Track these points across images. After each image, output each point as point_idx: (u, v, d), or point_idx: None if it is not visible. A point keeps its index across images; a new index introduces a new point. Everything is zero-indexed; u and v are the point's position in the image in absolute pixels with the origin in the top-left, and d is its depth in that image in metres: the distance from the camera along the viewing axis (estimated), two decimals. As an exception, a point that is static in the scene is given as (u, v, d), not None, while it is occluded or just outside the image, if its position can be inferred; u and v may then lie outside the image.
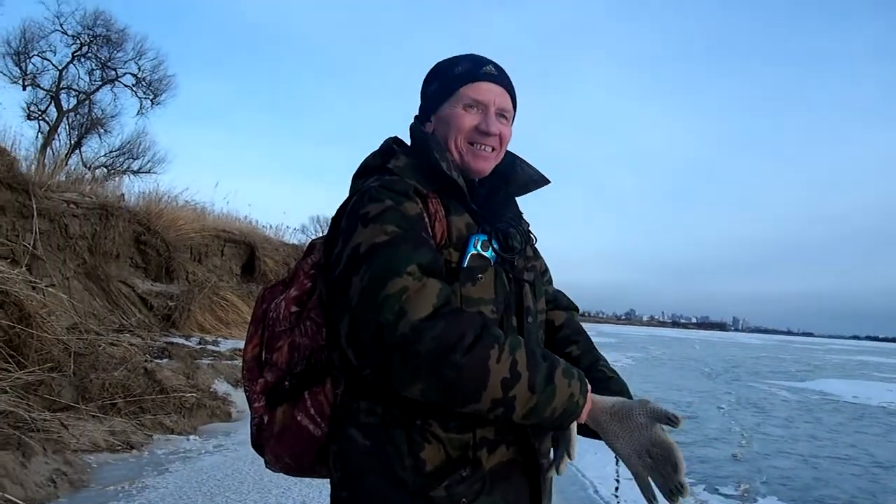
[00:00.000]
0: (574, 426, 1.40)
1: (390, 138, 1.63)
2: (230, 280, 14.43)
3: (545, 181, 1.72)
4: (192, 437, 6.46)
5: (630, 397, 1.51)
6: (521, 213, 1.69)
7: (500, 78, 1.60)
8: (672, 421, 1.33)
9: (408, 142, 1.63)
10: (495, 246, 1.48)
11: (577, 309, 1.87)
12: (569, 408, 1.33)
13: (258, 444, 1.53)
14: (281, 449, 1.48)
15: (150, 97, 24.13)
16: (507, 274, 1.50)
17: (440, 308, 1.27)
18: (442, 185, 1.50)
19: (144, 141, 24.35)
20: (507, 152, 1.68)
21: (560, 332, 1.76)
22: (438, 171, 1.49)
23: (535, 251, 1.73)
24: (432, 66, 1.66)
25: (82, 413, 5.80)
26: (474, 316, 1.31)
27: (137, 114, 24.10)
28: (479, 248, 1.45)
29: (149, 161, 24.41)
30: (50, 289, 7.53)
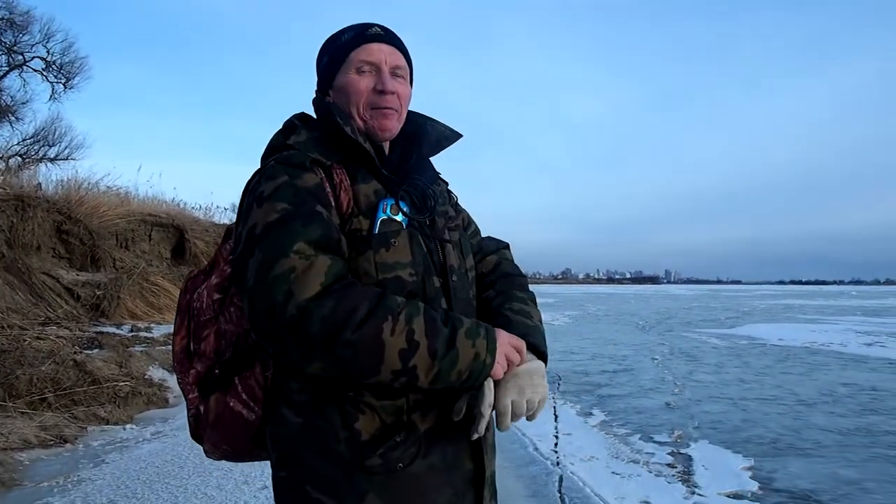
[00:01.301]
0: (488, 383, 1.39)
1: (295, 115, 1.61)
2: (160, 265, 14.10)
3: (457, 136, 1.71)
4: (128, 426, 6.34)
5: (536, 340, 1.53)
6: (437, 173, 1.68)
7: (388, 37, 1.58)
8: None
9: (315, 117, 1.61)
10: (405, 209, 1.46)
11: (506, 245, 1.85)
12: (475, 368, 1.33)
13: (197, 435, 1.52)
14: (217, 436, 1.48)
15: (63, 81, 23.06)
16: (424, 235, 1.49)
17: (330, 285, 1.27)
18: (348, 154, 1.48)
19: (60, 127, 23.24)
20: (417, 114, 1.68)
21: (485, 279, 1.72)
22: (343, 137, 1.47)
23: (457, 208, 1.73)
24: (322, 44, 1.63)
25: (10, 410, 5.64)
26: (368, 290, 1.31)
27: (50, 99, 23.03)
28: (388, 212, 1.43)
29: (66, 147, 23.36)
30: (-34, 285, 7.25)
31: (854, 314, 30.69)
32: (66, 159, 22.94)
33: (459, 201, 1.78)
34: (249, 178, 1.47)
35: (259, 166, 1.52)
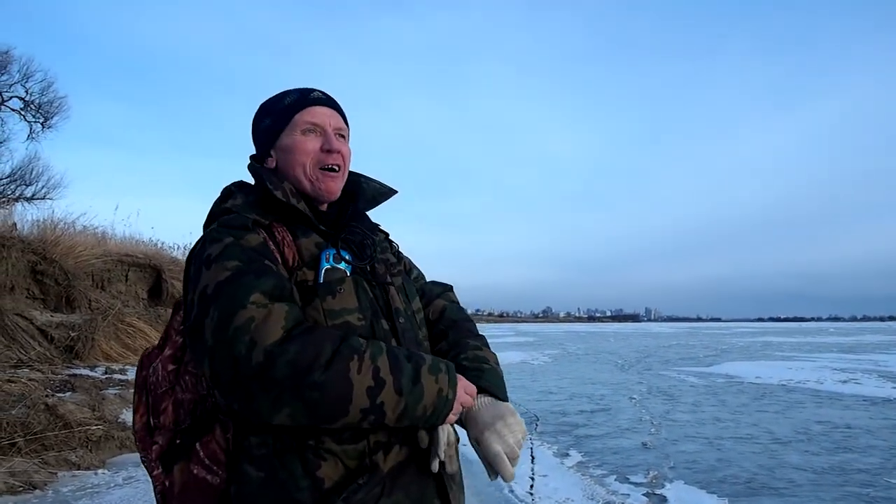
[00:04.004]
0: (444, 426, 1.43)
1: (232, 183, 1.66)
2: (136, 305, 13.99)
3: (392, 192, 1.80)
4: (100, 471, 6.23)
5: (494, 383, 1.58)
6: (375, 225, 1.75)
7: (329, 101, 1.67)
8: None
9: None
10: (346, 257, 1.52)
11: (450, 288, 1.91)
12: (439, 403, 1.37)
13: None
14: None
15: (41, 120, 23.05)
16: (368, 281, 1.54)
17: (291, 330, 1.30)
18: (284, 215, 1.54)
19: (37, 166, 23.13)
20: (352, 172, 1.74)
21: (435, 328, 1.76)
22: (275, 202, 1.52)
23: (399, 256, 1.80)
24: (257, 108, 1.71)
25: (-22, 456, 5.54)
26: (329, 331, 1.35)
27: (28, 138, 22.98)
28: (331, 261, 1.48)
29: (43, 187, 23.21)
30: (-63, 328, 7.16)
31: (830, 351, 30.90)
32: (43, 199, 22.76)
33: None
34: (193, 245, 1.51)
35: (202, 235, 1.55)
